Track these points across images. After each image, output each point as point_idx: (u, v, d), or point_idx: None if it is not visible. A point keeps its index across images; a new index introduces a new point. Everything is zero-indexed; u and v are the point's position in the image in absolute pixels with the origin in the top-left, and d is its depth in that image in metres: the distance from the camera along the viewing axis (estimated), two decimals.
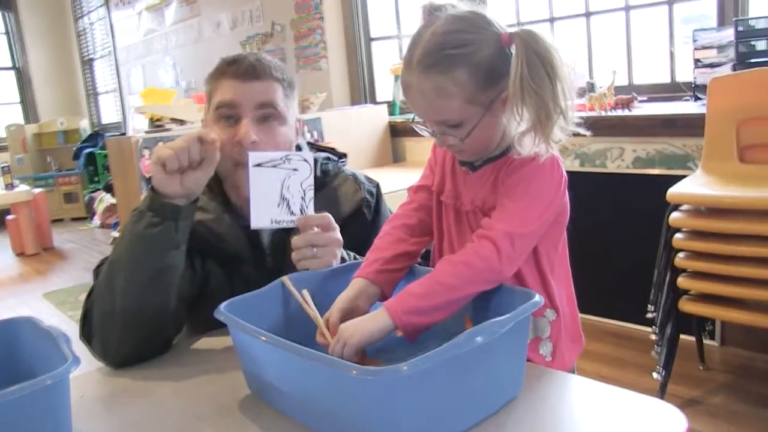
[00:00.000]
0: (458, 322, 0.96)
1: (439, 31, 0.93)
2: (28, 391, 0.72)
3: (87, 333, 1.11)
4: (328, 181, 1.30)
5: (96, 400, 0.99)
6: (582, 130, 0.95)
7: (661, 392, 2.04)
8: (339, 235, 1.11)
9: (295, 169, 1.09)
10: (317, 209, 1.12)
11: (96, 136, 7.16)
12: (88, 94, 8.12)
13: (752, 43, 2.41)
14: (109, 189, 5.81)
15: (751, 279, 1.84)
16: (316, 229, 1.09)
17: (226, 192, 1.25)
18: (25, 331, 0.94)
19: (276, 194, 1.08)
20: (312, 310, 0.99)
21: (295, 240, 1.08)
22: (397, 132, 3.78)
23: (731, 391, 2.20)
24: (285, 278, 1.02)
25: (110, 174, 3.50)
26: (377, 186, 1.37)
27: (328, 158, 1.35)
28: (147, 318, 1.07)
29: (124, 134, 6.81)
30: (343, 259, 1.14)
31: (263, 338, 0.82)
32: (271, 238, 1.25)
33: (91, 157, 6.89)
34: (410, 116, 3.49)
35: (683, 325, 2.13)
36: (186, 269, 1.14)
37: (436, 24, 0.94)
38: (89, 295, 1.13)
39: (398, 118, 3.77)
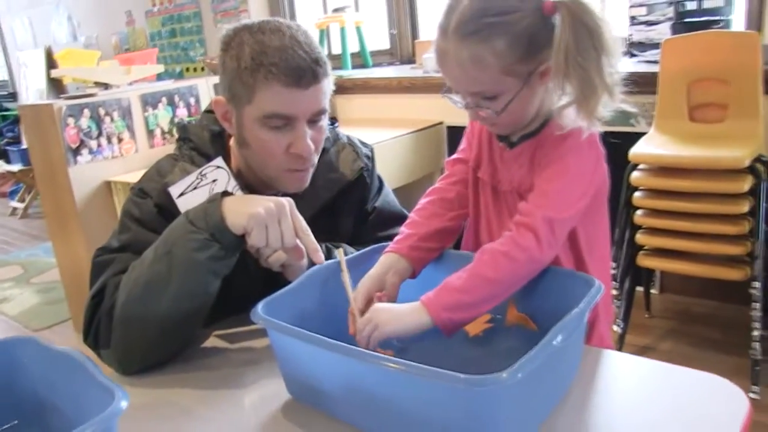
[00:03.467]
0: (501, 308, 0.94)
1: None
2: None
3: (96, 338, 1.00)
4: (327, 147, 1.23)
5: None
6: (628, 107, 0.93)
7: (620, 343, 2.14)
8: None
9: (214, 180, 1.07)
10: (320, 175, 1.12)
11: None
12: None
13: (684, 2, 2.49)
14: (2, 155, 5.34)
15: (702, 234, 1.95)
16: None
17: (251, 185, 1.15)
18: (26, 354, 0.80)
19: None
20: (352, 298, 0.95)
21: (249, 245, 1.01)
22: None
23: (677, 336, 2.34)
24: (340, 252, 0.98)
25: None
26: (372, 150, 1.32)
27: None
28: (185, 332, 1.00)
29: (13, 94, 6.26)
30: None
31: (326, 347, 0.76)
32: None
33: None
34: (340, 74, 3.39)
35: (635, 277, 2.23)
36: None
37: None
38: (94, 297, 1.02)
39: None
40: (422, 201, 1.08)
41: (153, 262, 0.96)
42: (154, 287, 0.95)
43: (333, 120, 1.31)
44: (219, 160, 1.10)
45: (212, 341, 1.08)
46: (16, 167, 5.14)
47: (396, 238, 1.03)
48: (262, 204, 0.94)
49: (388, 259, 0.99)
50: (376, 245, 1.06)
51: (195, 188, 1.07)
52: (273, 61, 0.99)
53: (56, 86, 4.01)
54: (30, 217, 5.20)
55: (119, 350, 0.98)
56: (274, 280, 1.01)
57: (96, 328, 1.01)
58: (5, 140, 5.82)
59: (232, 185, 1.08)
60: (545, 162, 0.95)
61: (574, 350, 0.84)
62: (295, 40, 1.01)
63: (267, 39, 1.01)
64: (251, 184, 1.14)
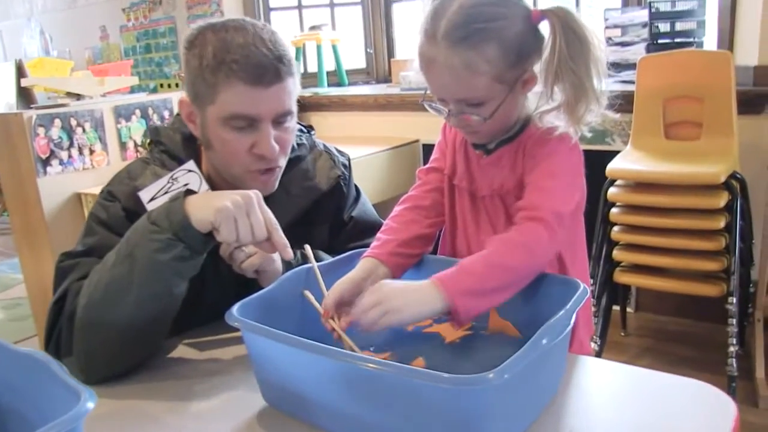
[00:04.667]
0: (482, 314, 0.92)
1: (467, 3, 0.88)
2: None
3: (58, 346, 0.96)
4: (304, 155, 1.21)
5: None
6: (609, 113, 0.93)
7: None
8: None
9: (185, 184, 1.04)
10: (296, 182, 1.13)
11: None
12: None
13: (657, 24, 2.53)
14: None
15: (678, 250, 1.95)
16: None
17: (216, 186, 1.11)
18: None
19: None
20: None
21: (222, 250, 0.99)
22: (303, 106, 3.64)
23: (652, 354, 2.33)
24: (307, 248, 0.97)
25: None
26: (348, 159, 1.30)
27: (300, 131, 1.25)
28: (151, 337, 0.96)
29: None
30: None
31: (304, 347, 0.73)
32: None
33: None
34: (316, 91, 3.38)
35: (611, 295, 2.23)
36: None
37: None
38: (56, 303, 0.97)
39: (304, 92, 3.63)
40: (398, 208, 1.07)
41: (114, 265, 0.91)
42: (115, 291, 0.91)
43: (310, 128, 1.29)
44: (191, 164, 1.06)
45: (181, 350, 1.04)
46: None
47: (374, 244, 1.00)
48: (229, 197, 0.89)
49: (367, 264, 0.97)
50: (352, 252, 1.03)
51: (166, 192, 1.03)
52: (234, 58, 0.96)
53: (26, 97, 3.93)
54: None
55: (82, 357, 0.93)
56: (248, 288, 0.98)
57: (57, 335, 0.96)
58: None
59: (204, 189, 1.04)
60: (533, 162, 0.95)
61: (560, 352, 0.82)
62: (259, 37, 0.98)
63: (230, 37, 0.98)
64: (220, 187, 1.09)
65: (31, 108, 2.53)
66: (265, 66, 0.97)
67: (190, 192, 0.95)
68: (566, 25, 0.87)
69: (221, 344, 1.03)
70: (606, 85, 0.91)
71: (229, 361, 0.98)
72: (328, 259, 1.14)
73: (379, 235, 1.02)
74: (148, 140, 1.18)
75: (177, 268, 0.91)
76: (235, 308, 0.83)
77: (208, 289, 1.07)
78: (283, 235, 0.93)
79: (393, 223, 1.04)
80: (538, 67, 0.92)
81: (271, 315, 0.88)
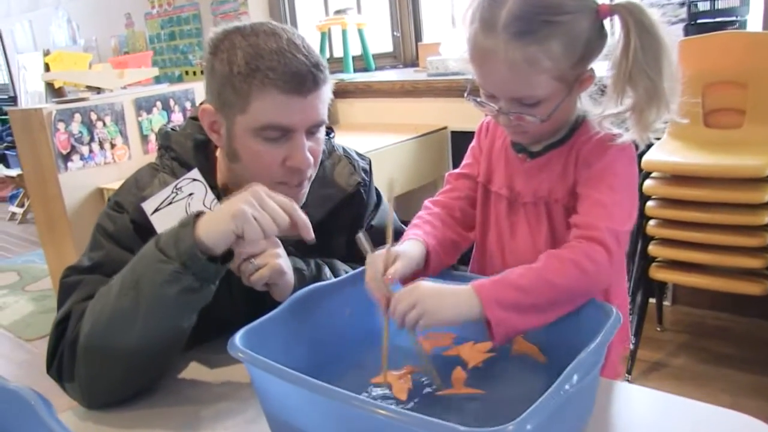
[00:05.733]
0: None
1: None
2: None
3: (60, 370, 0.92)
4: (323, 160, 1.15)
5: None
6: (680, 119, 0.84)
7: (632, 359, 2.05)
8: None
9: (190, 194, 0.99)
10: (312, 190, 1.06)
11: None
12: None
13: (696, 3, 2.39)
14: (2, 159, 5.28)
15: (718, 246, 1.85)
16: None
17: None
18: None
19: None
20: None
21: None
22: None
23: (690, 351, 2.23)
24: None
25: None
26: (369, 162, 1.23)
27: None
28: (156, 367, 0.92)
29: (14, 98, 6.19)
30: (300, 270, 1.01)
31: (312, 389, 0.67)
32: None
33: None
34: (342, 77, 3.30)
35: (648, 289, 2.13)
36: None
37: None
38: (59, 324, 0.93)
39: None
40: (426, 212, 0.99)
41: (120, 294, 0.86)
42: (120, 322, 0.86)
43: (329, 130, 1.23)
44: (195, 172, 1.00)
45: (191, 369, 0.99)
46: (14, 172, 5.07)
47: (414, 232, 0.94)
48: (239, 200, 0.85)
49: (418, 246, 0.90)
50: (354, 272, 0.96)
51: (170, 203, 0.98)
52: (270, 65, 0.91)
53: (54, 90, 3.94)
54: (28, 223, 5.13)
55: (83, 385, 0.89)
56: (260, 301, 0.94)
57: (59, 359, 0.92)
58: (5, 144, 5.76)
59: (210, 199, 0.98)
60: (590, 172, 0.87)
61: (589, 390, 0.75)
62: (293, 43, 0.93)
63: (262, 42, 0.92)
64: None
65: (52, 102, 2.51)
66: (303, 74, 0.92)
67: (201, 214, 0.89)
68: (640, 22, 0.79)
69: (233, 362, 0.98)
70: (678, 90, 0.83)
71: (238, 384, 0.93)
72: (343, 266, 1.09)
73: (410, 231, 0.95)
74: (157, 145, 1.13)
75: (185, 300, 0.86)
76: (237, 336, 0.78)
77: (218, 303, 1.03)
78: (303, 215, 0.89)
79: (423, 221, 0.97)
80: (593, 65, 0.86)
81: (279, 340, 0.83)
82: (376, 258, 0.84)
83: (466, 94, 0.91)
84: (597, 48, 0.83)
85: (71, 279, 0.98)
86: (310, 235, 0.88)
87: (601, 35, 0.83)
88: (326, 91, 0.97)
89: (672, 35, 0.81)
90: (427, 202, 1.03)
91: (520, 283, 0.78)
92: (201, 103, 1.03)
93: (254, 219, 0.84)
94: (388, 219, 0.87)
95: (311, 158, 0.98)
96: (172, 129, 1.13)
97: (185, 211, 0.96)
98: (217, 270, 0.86)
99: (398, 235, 1.00)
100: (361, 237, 0.85)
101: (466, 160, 1.04)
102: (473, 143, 1.03)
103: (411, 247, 0.90)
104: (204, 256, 0.84)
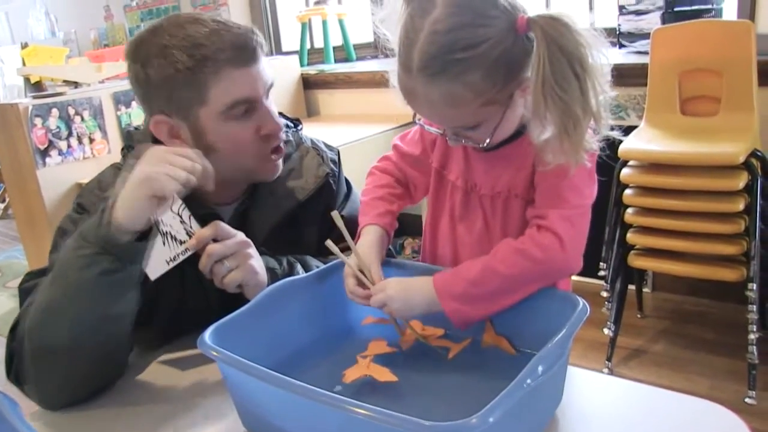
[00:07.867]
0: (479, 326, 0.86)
1: (441, 29, 0.76)
2: None
3: (18, 373, 0.91)
4: (290, 152, 1.15)
5: None
6: (616, 134, 0.83)
7: (611, 346, 2.06)
8: (242, 236, 0.96)
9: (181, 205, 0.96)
10: (281, 182, 1.09)
11: None
12: None
13: None
14: None
15: (695, 233, 1.87)
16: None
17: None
18: None
19: (155, 235, 0.90)
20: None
21: (202, 265, 0.92)
22: (309, 84, 3.56)
23: (670, 336, 2.26)
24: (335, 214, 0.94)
25: None
26: (338, 153, 1.24)
27: (287, 126, 1.18)
28: (106, 360, 0.90)
29: None
30: (272, 269, 1.01)
31: (281, 385, 0.68)
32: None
33: None
34: (322, 68, 3.29)
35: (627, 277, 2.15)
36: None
37: (432, 15, 0.76)
38: (14, 329, 0.92)
39: (310, 70, 3.54)
40: (375, 184, 1.04)
41: (50, 286, 0.87)
42: (51, 314, 0.86)
43: (297, 122, 1.23)
44: None
45: (157, 367, 0.98)
46: None
47: (370, 213, 0.98)
48: (140, 167, 0.87)
49: (375, 232, 0.96)
50: (336, 262, 0.97)
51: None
52: (215, 47, 0.93)
53: (33, 84, 3.89)
54: (9, 218, 5.07)
55: (33, 385, 0.89)
56: (234, 299, 0.93)
57: (16, 362, 0.91)
58: None
59: (177, 206, 0.92)
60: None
61: (555, 381, 0.76)
62: (218, 21, 0.96)
63: (192, 31, 0.94)
64: (220, 192, 1.03)
65: (28, 97, 2.49)
66: (246, 43, 0.96)
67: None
68: (552, 39, 0.74)
69: (203, 361, 0.97)
70: (611, 90, 0.79)
71: (211, 381, 0.92)
72: (315, 262, 1.08)
73: (364, 205, 1.01)
74: (121, 146, 1.12)
75: (108, 283, 0.85)
76: (207, 333, 0.78)
77: (190, 296, 1.03)
78: (207, 162, 0.91)
79: (376, 197, 1.01)
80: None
81: (250, 335, 0.83)
82: (351, 269, 0.89)
83: (415, 121, 0.92)
84: (525, 61, 0.78)
85: (29, 284, 0.97)
86: (210, 185, 0.91)
87: (526, 48, 0.77)
88: (263, 53, 1.01)
89: (603, 55, 0.76)
90: (374, 170, 1.07)
91: (469, 274, 0.82)
92: (145, 121, 1.03)
93: (165, 175, 0.85)
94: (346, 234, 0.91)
95: (282, 119, 1.03)
96: (135, 128, 1.13)
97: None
98: (137, 248, 0.86)
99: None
100: (330, 243, 0.89)
101: (412, 137, 1.04)
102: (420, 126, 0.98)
103: (373, 238, 0.94)
104: (126, 235, 0.85)
